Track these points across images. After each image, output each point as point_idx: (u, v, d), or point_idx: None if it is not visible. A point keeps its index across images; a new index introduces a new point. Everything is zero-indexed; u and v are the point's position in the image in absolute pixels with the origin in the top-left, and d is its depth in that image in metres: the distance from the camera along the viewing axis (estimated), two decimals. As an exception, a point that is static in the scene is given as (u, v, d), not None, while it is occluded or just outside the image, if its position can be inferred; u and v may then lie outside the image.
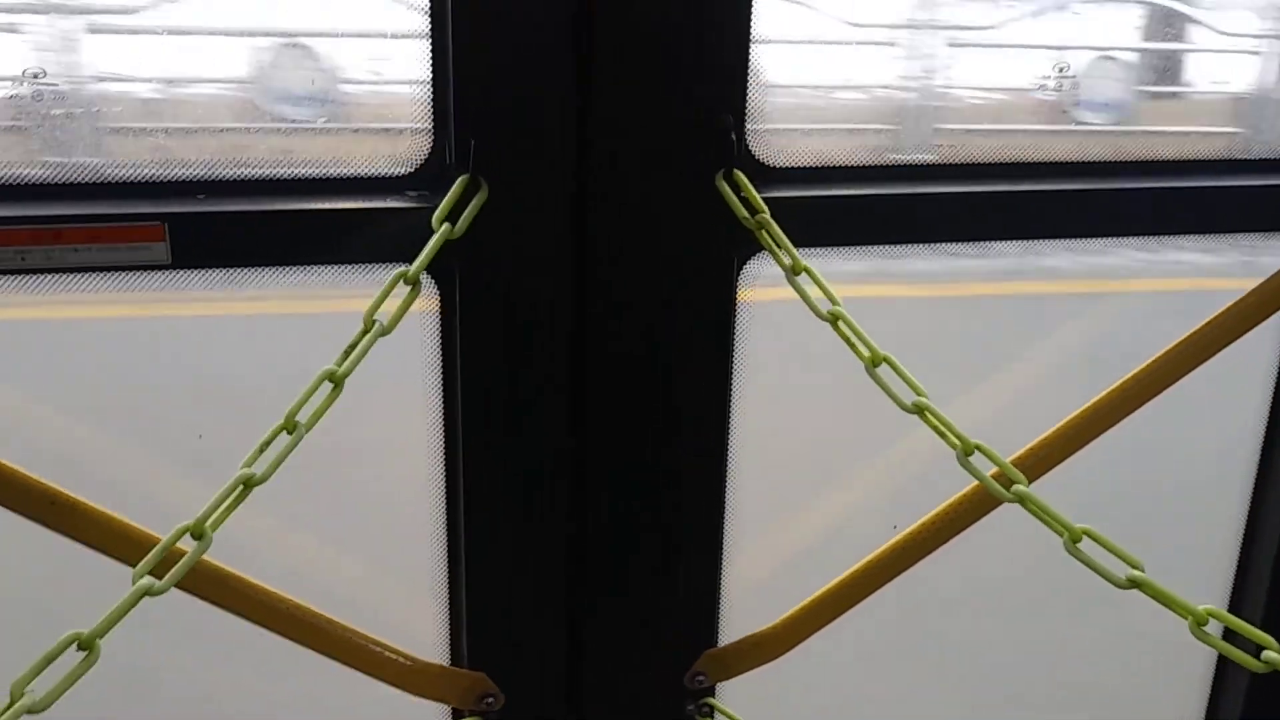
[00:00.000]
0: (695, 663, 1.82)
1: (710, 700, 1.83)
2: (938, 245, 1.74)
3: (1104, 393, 1.80)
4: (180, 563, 1.31)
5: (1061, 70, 1.93)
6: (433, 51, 1.52)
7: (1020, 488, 1.49)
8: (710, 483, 1.75)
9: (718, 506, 1.76)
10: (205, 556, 1.38)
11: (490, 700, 1.76)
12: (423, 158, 1.58)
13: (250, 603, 1.62)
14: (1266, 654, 1.38)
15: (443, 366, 1.65)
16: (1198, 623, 1.41)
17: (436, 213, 1.50)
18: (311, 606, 1.65)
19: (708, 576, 1.80)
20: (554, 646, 1.79)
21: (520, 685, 1.78)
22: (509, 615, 1.75)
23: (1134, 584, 1.43)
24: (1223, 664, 2.17)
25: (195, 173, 1.53)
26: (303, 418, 1.40)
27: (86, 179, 1.50)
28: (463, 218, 1.51)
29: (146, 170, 1.52)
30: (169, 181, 1.53)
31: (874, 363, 1.53)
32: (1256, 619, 2.04)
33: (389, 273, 1.50)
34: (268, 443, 1.39)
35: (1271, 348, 1.96)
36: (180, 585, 1.34)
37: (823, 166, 1.68)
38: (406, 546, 1.79)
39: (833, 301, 1.54)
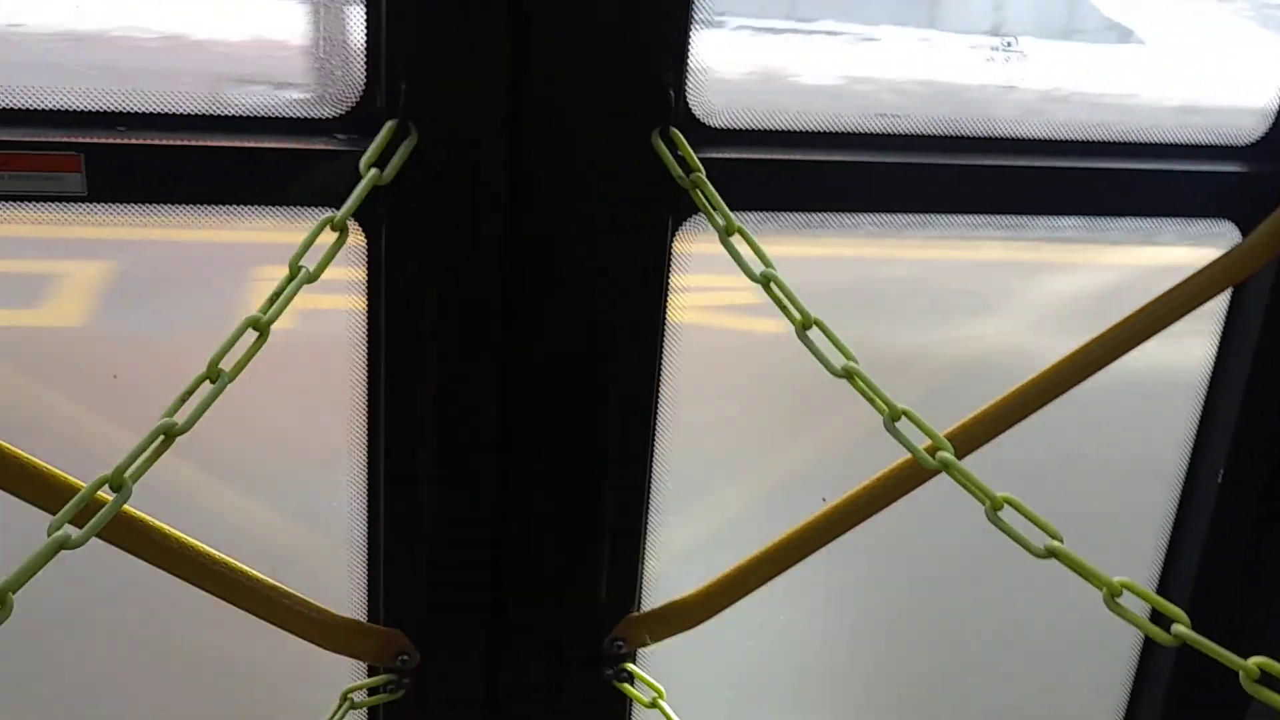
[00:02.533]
0: (615, 628, 1.80)
1: (629, 666, 1.82)
2: (879, 215, 1.72)
3: (1040, 371, 1.79)
4: (98, 515, 1.27)
5: (1009, 44, 1.91)
6: (367, -8, 1.48)
7: (945, 455, 1.47)
8: (638, 446, 1.72)
9: (644, 469, 1.74)
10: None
11: (405, 658, 1.74)
12: (354, 100, 1.53)
13: (166, 553, 1.58)
14: (1176, 628, 1.37)
15: (368, 317, 1.61)
16: (1112, 595, 1.41)
17: (365, 157, 1.46)
18: (226, 557, 1.62)
19: (631, 542, 1.78)
20: (473, 607, 1.76)
21: (437, 644, 1.76)
22: (428, 574, 1.73)
23: (1051, 554, 1.42)
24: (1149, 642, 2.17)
25: (117, 104, 1.48)
26: (226, 366, 1.37)
27: (1, 104, 1.45)
28: (391, 163, 1.47)
29: (65, 98, 1.47)
30: (88, 111, 1.48)
31: (804, 325, 1.51)
32: (1184, 598, 2.05)
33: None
34: (190, 392, 1.35)
35: (1209, 331, 1.96)
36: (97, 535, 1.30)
37: (764, 130, 1.66)
38: (328, 502, 1.76)
39: (765, 263, 1.52)
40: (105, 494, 1.29)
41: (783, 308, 1.51)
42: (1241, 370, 1.95)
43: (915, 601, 2.21)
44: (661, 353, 1.69)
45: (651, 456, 1.75)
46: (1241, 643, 1.41)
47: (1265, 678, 1.37)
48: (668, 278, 1.65)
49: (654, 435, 1.74)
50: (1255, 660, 1.36)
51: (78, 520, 1.26)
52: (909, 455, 1.52)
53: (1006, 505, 1.43)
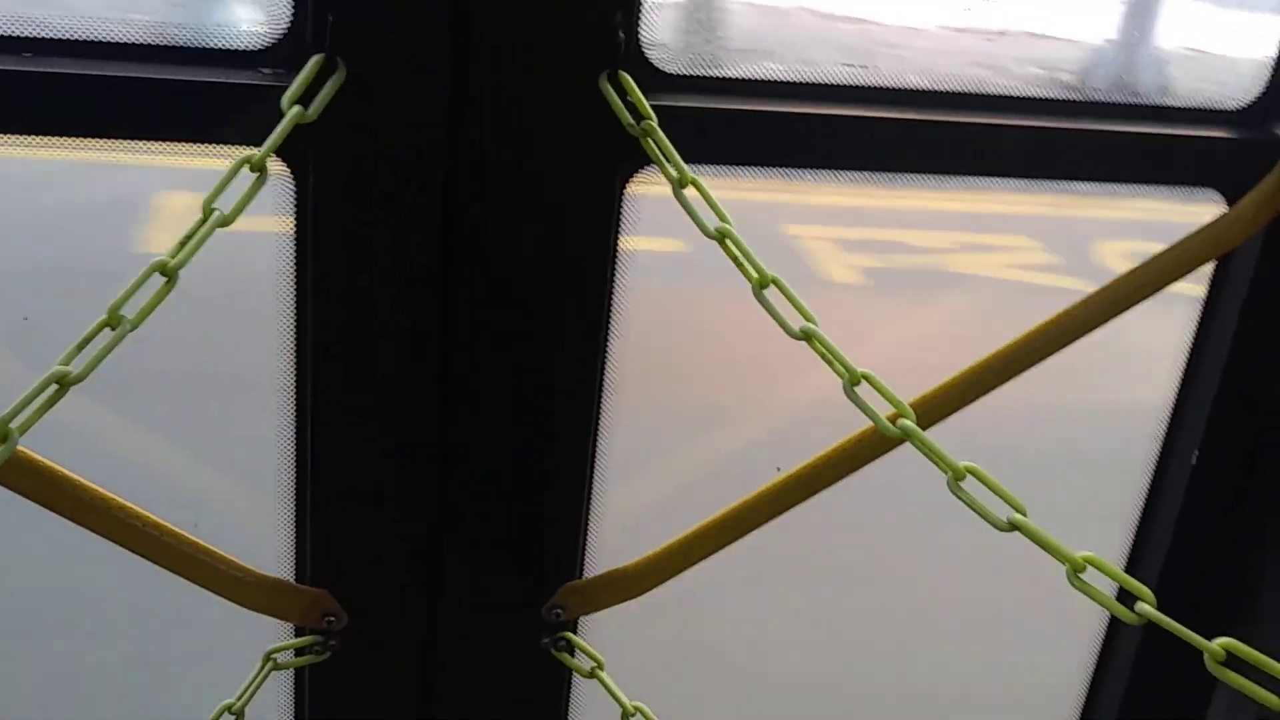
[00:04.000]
0: (555, 595, 1.73)
1: (567, 635, 1.75)
2: (841, 173, 1.62)
3: (1010, 341, 1.70)
4: (-17, 464, 1.19)
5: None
6: (292, -88, 1.37)
7: (906, 423, 1.40)
8: (581, 406, 1.64)
9: (587, 431, 1.66)
10: (27, 450, 1.26)
11: (331, 619, 1.66)
12: (281, 33, 1.43)
13: (75, 503, 1.51)
14: (1141, 606, 1.31)
15: (296, 264, 1.52)
16: (1075, 570, 1.35)
17: (288, 93, 1.36)
18: (140, 510, 1.54)
19: (573, 506, 1.70)
20: (405, 568, 1.69)
21: (367, 606, 1.68)
22: (357, 532, 1.65)
23: (1014, 526, 1.36)
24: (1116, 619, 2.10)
25: (21, 28, 1.38)
26: (129, 312, 1.28)
27: (-107, 23, 1.35)
28: (316, 101, 1.37)
29: (-35, 20, 1.37)
30: (-10, 34, 1.38)
31: (761, 284, 1.43)
32: (1152, 580, 1.98)
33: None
34: (89, 338, 1.26)
35: (1184, 308, 1.87)
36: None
37: (722, 77, 1.56)
38: (252, 454, 1.68)
39: (721, 219, 1.43)
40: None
41: (739, 265, 1.42)
42: (1221, 348, 1.86)
43: (869, 577, 2.15)
44: (610, 309, 1.61)
45: (597, 417, 1.67)
46: (1210, 628, 1.35)
47: (1231, 660, 1.31)
48: (616, 231, 1.56)
49: (600, 396, 1.66)
50: (1220, 641, 1.30)
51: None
52: (868, 426, 1.45)
53: (970, 476, 1.37)
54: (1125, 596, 1.37)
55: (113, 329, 1.26)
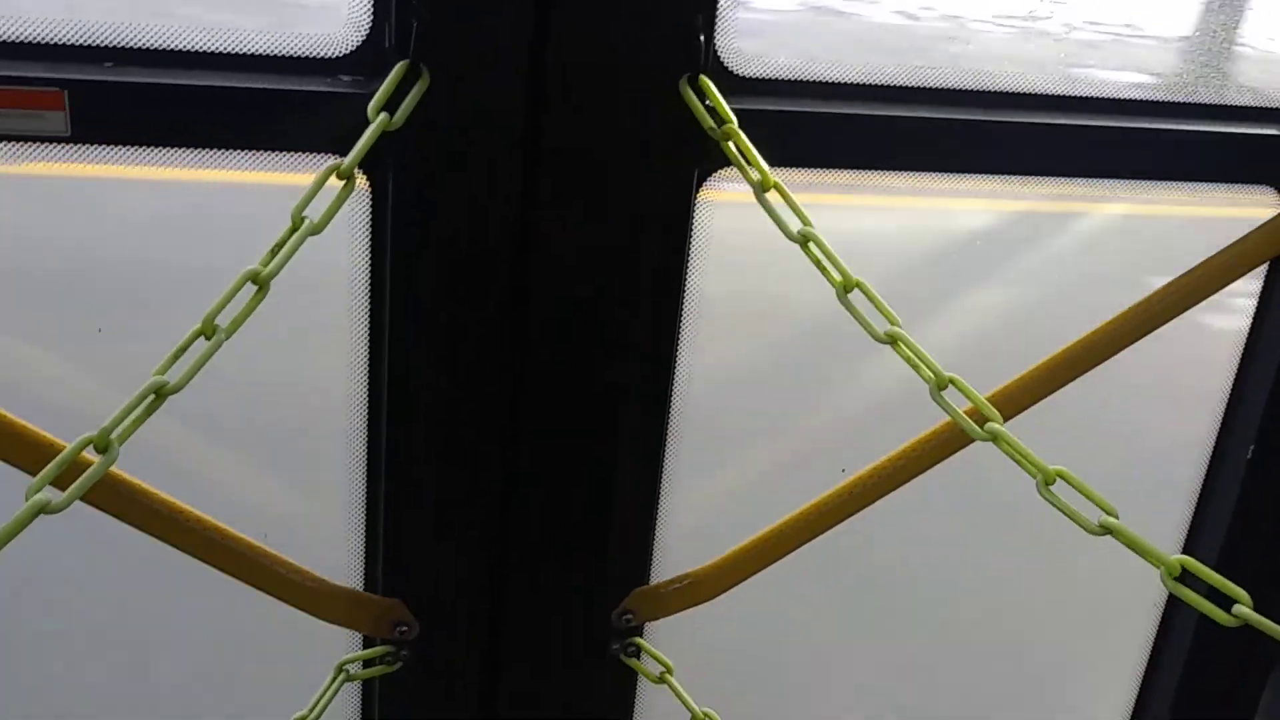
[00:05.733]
0: (624, 600, 1.72)
1: (637, 640, 1.74)
2: (917, 174, 1.63)
3: (1083, 335, 1.71)
4: (82, 478, 1.18)
5: (1052, -1, 1.81)
6: (376, -78, 1.37)
7: (994, 425, 1.40)
8: (652, 412, 1.64)
9: (658, 437, 1.65)
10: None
11: (404, 629, 1.66)
12: (360, 40, 1.43)
13: (154, 517, 1.50)
14: (1238, 609, 1.31)
15: (371, 272, 1.52)
16: (1170, 573, 1.34)
17: (373, 100, 1.36)
18: (217, 522, 1.53)
19: (643, 511, 1.69)
20: (476, 576, 1.68)
21: (437, 615, 1.68)
22: (429, 541, 1.64)
23: (1106, 530, 1.35)
24: (1167, 620, 2.11)
25: (104, 37, 1.37)
26: (223, 321, 1.27)
27: (-22, 35, 1.34)
28: (401, 108, 1.37)
29: (48, 30, 1.36)
30: (73, 45, 1.37)
31: (846, 288, 1.42)
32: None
33: (321, 162, 1.37)
34: (184, 348, 1.25)
35: (1247, 300, 1.88)
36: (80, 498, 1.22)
37: (799, 80, 1.56)
38: (326, 465, 1.66)
39: (804, 222, 1.43)
40: (91, 456, 1.21)
41: (822, 269, 1.42)
42: (1276, 345, 1.87)
43: (926, 581, 2.15)
44: (682, 312, 1.60)
45: (667, 421, 1.66)
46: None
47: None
48: (690, 234, 1.55)
49: (670, 399, 1.65)
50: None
51: (60, 483, 1.18)
52: (945, 423, 1.45)
53: (1059, 479, 1.36)
54: (1217, 597, 1.36)
55: (207, 338, 1.25)
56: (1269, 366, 1.88)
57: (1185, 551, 2.04)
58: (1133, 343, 1.72)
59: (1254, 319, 1.89)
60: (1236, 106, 1.80)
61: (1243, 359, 1.92)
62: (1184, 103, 1.79)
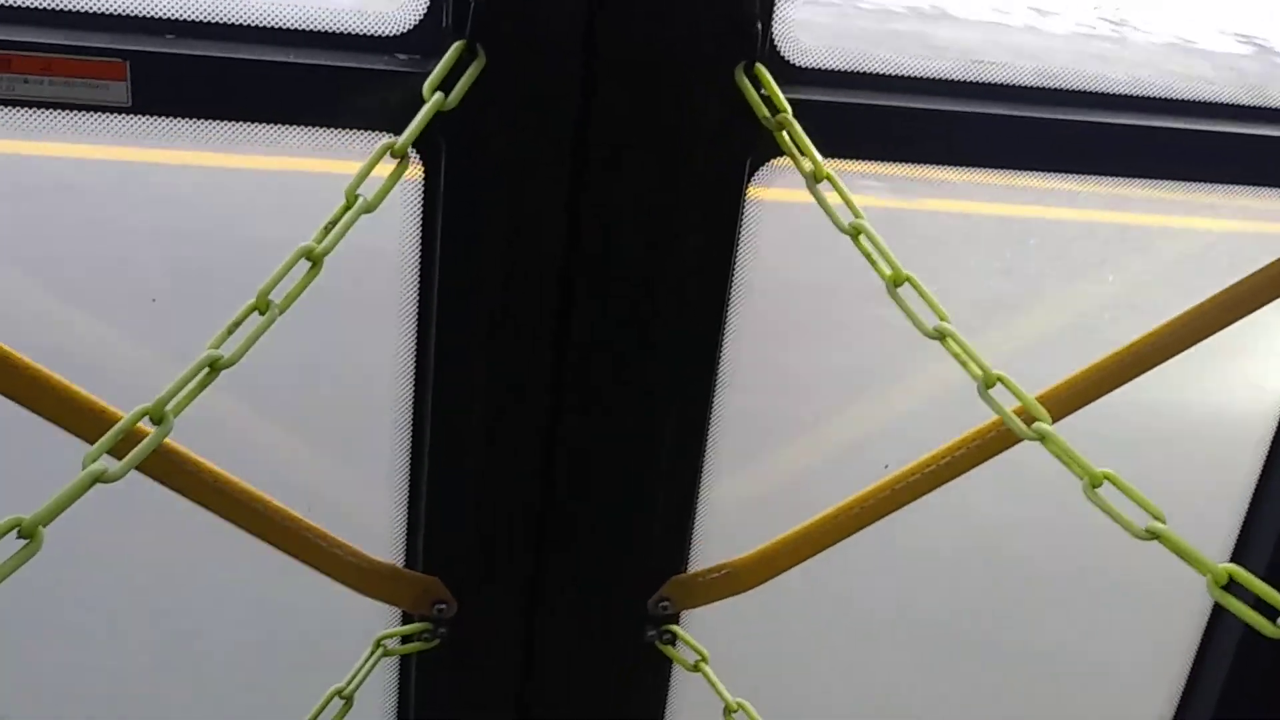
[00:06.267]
0: (662, 587, 1.72)
1: (673, 628, 1.74)
2: (973, 169, 1.61)
3: (1137, 338, 1.68)
4: (137, 448, 1.21)
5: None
6: (438, -99, 1.37)
7: (1042, 425, 1.38)
8: (696, 400, 1.63)
9: (701, 425, 1.65)
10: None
11: (443, 607, 1.67)
12: (417, 18, 1.43)
13: (206, 488, 1.52)
14: None
15: (421, 252, 1.52)
16: (1216, 582, 1.32)
17: (429, 79, 1.36)
18: (262, 494, 1.55)
19: (684, 500, 1.69)
20: (514, 557, 1.69)
21: (475, 594, 1.68)
22: (470, 521, 1.65)
23: (1153, 535, 1.33)
24: (1210, 628, 2.09)
25: (166, 9, 1.39)
26: (276, 297, 1.29)
27: (41, 4, 1.36)
28: (456, 88, 1.37)
29: (112, 0, 1.37)
30: (135, 16, 1.38)
31: (896, 282, 1.42)
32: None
33: (372, 141, 1.38)
34: (238, 323, 1.27)
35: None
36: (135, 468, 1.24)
37: (855, 72, 1.54)
38: (370, 441, 1.67)
39: (855, 214, 1.42)
40: (146, 426, 1.23)
41: (872, 262, 1.41)
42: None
43: (970, 573, 2.14)
44: (729, 300, 1.60)
45: (711, 409, 1.66)
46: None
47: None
48: (740, 224, 1.55)
49: (714, 390, 1.65)
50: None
51: (117, 453, 1.20)
52: (991, 421, 1.43)
53: (1107, 482, 1.35)
54: (1264, 608, 1.35)
55: (261, 313, 1.27)
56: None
57: (1234, 559, 2.02)
58: (1185, 349, 1.69)
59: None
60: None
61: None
62: (1230, 104, 1.74)
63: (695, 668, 1.76)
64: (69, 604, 1.80)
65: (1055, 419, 1.59)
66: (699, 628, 1.78)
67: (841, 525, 1.69)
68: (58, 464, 1.24)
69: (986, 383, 1.39)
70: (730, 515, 1.79)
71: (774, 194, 1.54)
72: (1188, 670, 2.11)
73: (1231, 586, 1.33)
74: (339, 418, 1.71)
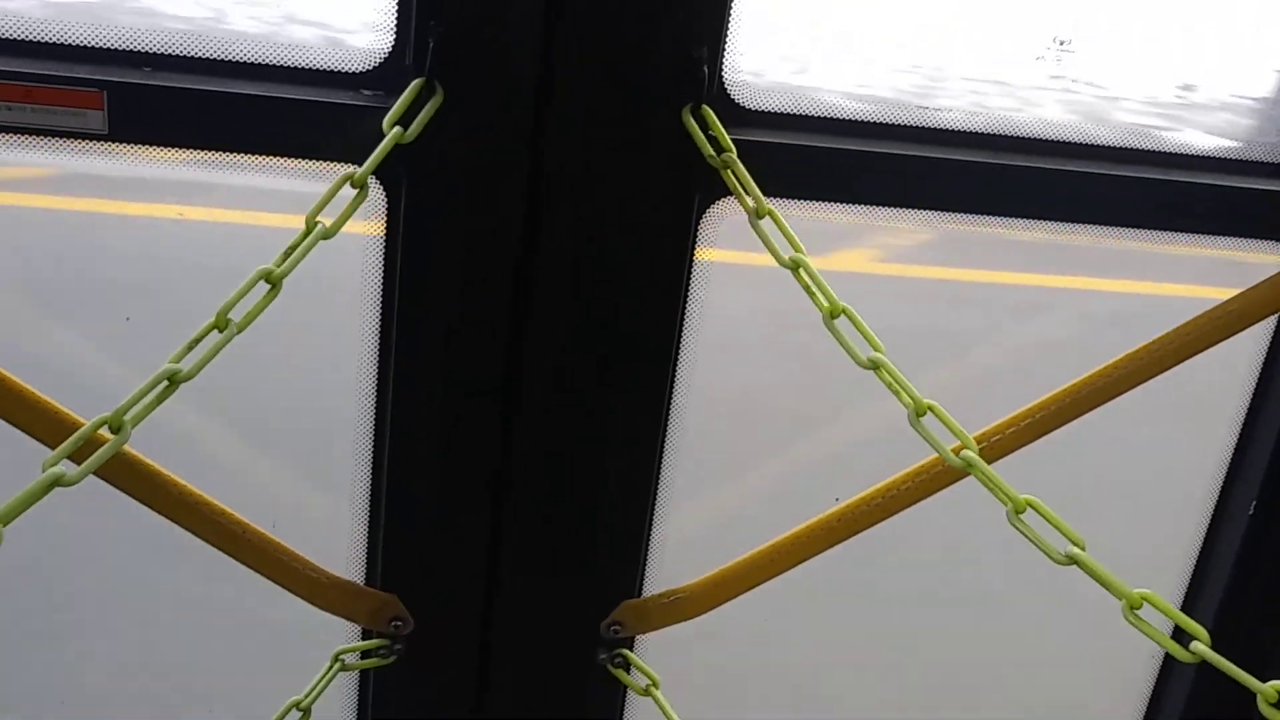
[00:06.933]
0: (614, 612, 1.77)
1: (625, 651, 1.79)
2: (916, 212, 1.67)
3: (1072, 382, 1.73)
4: (94, 455, 1.27)
5: (1062, 44, 1.84)
6: (399, -54, 1.45)
7: (969, 453, 1.44)
8: (648, 427, 1.69)
9: (653, 452, 1.70)
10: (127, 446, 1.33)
11: (398, 624, 1.72)
12: (381, 56, 1.51)
13: (165, 498, 1.58)
14: (1196, 645, 1.34)
15: (383, 277, 1.59)
16: (1131, 606, 1.38)
17: (389, 115, 1.44)
18: (225, 506, 1.61)
19: (636, 525, 1.74)
20: (469, 578, 1.74)
21: (431, 613, 1.73)
22: (426, 541, 1.71)
23: (1073, 560, 1.39)
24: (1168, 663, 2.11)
25: (142, 43, 1.47)
26: (236, 316, 1.35)
27: (27, 36, 1.44)
28: (415, 122, 1.44)
29: (91, 33, 1.45)
30: (114, 49, 1.46)
31: (832, 314, 1.47)
32: (1208, 621, 1.98)
33: (337, 172, 1.45)
34: (198, 339, 1.34)
35: (1251, 354, 1.89)
36: (95, 473, 1.30)
37: (802, 115, 1.61)
38: (330, 461, 1.74)
39: (795, 249, 1.48)
40: (107, 434, 1.29)
41: (811, 294, 1.47)
42: (1282, 397, 1.87)
43: (924, 606, 2.17)
44: (681, 332, 1.66)
45: (663, 438, 1.71)
46: (1264, 672, 1.37)
47: (1284, 702, 1.33)
48: (691, 259, 1.61)
49: (668, 417, 1.70)
50: (1275, 684, 1.32)
51: (77, 458, 1.26)
52: (931, 458, 1.48)
53: (1030, 509, 1.40)
54: (1180, 635, 1.39)
55: (220, 331, 1.33)
56: (1274, 418, 1.89)
57: (1187, 597, 2.05)
58: (1131, 388, 1.74)
59: (1260, 372, 1.90)
60: (1250, 161, 1.81)
61: (1249, 410, 1.93)
62: (1194, 155, 1.80)
63: (646, 692, 1.79)
64: (30, 613, 1.86)
65: (996, 456, 1.65)
66: (654, 653, 1.82)
67: (790, 554, 1.74)
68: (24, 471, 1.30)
69: (918, 411, 1.44)
70: (685, 542, 1.83)
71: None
72: (1142, 713, 2.13)
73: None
74: (312, 438, 1.77)
